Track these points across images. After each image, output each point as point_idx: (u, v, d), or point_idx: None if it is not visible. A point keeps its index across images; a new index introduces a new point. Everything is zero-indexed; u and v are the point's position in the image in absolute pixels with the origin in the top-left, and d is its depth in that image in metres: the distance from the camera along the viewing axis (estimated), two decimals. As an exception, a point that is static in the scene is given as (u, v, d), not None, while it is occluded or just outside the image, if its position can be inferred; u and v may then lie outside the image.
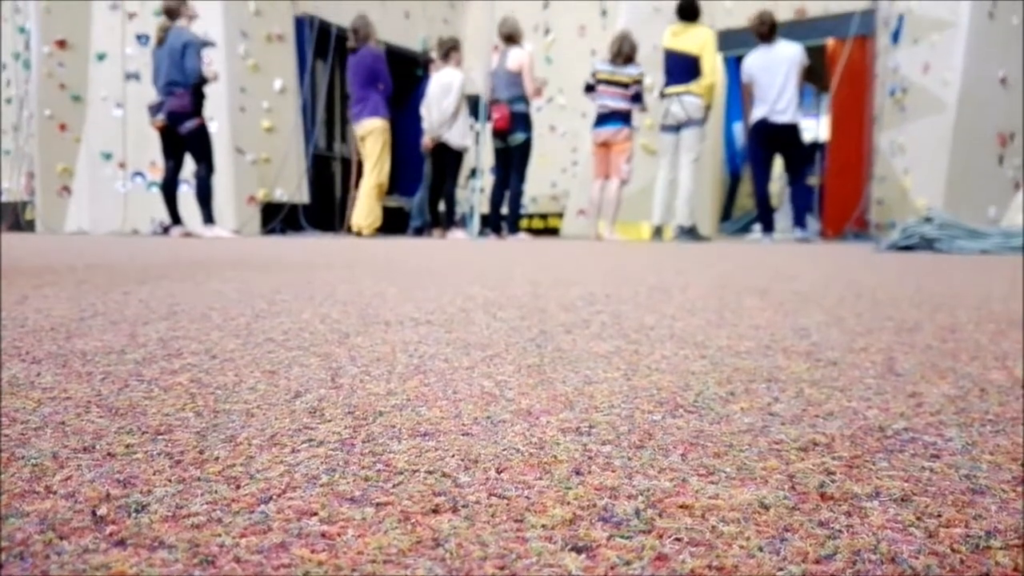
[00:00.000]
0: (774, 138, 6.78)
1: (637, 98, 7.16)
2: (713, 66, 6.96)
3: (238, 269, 2.45)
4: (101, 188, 8.18)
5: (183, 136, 6.61)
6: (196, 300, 1.50)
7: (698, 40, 6.89)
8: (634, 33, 7.46)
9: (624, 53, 7.05)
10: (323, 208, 9.19)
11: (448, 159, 7.75)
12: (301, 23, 8.75)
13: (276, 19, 8.51)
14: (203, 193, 6.74)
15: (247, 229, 7.94)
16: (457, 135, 7.66)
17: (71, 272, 2.21)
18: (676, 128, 7.03)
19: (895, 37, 7.60)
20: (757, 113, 6.80)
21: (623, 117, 7.12)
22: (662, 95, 7.10)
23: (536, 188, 9.30)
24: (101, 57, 8.25)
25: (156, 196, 7.28)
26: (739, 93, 10.19)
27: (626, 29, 7.58)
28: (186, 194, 6.95)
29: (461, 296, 1.63)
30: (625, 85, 7.06)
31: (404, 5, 10.04)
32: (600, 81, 7.15)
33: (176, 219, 6.84)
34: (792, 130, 6.78)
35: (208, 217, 6.78)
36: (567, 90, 9.65)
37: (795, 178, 7.03)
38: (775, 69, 6.67)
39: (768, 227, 6.96)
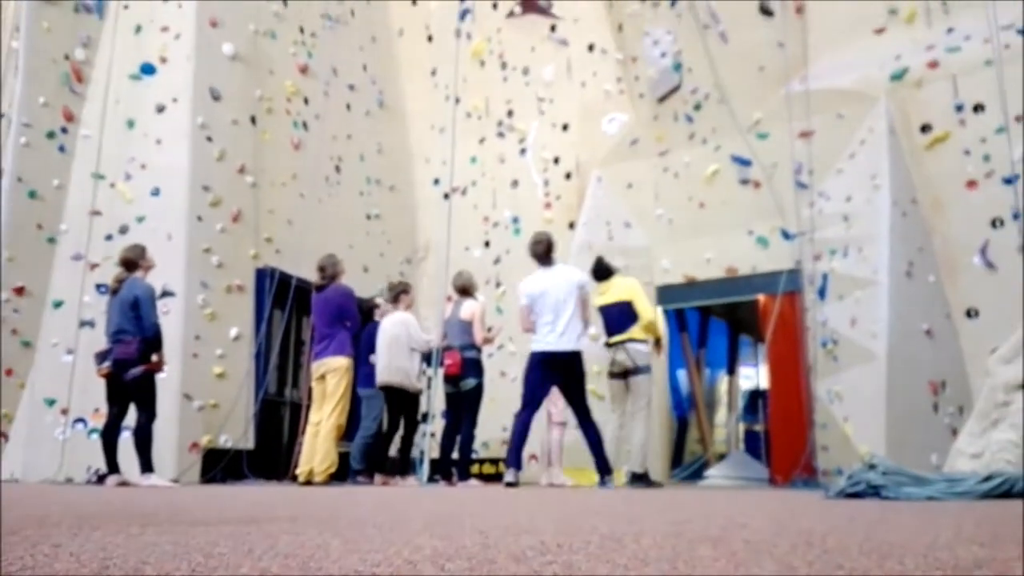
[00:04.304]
0: (564, 369, 6.76)
1: None
2: (646, 305, 7.17)
3: (175, 520, 2.35)
4: (39, 434, 7.89)
5: (127, 383, 6.55)
6: (129, 553, 1.43)
7: (623, 288, 7.24)
8: None
9: None
10: (268, 454, 8.95)
11: (407, 403, 7.79)
12: (262, 274, 9.08)
13: (238, 271, 8.82)
14: (142, 441, 6.55)
15: (187, 477, 7.64)
16: (414, 377, 7.77)
17: (-4, 524, 2.10)
18: (623, 375, 7.19)
19: (821, 294, 8.18)
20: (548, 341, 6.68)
21: None
22: (607, 345, 7.33)
23: (487, 433, 9.26)
24: (57, 305, 8.34)
25: (95, 443, 7.02)
26: (680, 343, 10.65)
27: None
28: (127, 440, 6.75)
29: (408, 547, 1.59)
30: None
31: (363, 259, 10.55)
32: None
33: (113, 467, 6.57)
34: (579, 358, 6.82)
35: (146, 466, 6.53)
36: (517, 339, 9.97)
37: (586, 416, 6.81)
38: (561, 291, 6.70)
39: (518, 466, 6.53)
